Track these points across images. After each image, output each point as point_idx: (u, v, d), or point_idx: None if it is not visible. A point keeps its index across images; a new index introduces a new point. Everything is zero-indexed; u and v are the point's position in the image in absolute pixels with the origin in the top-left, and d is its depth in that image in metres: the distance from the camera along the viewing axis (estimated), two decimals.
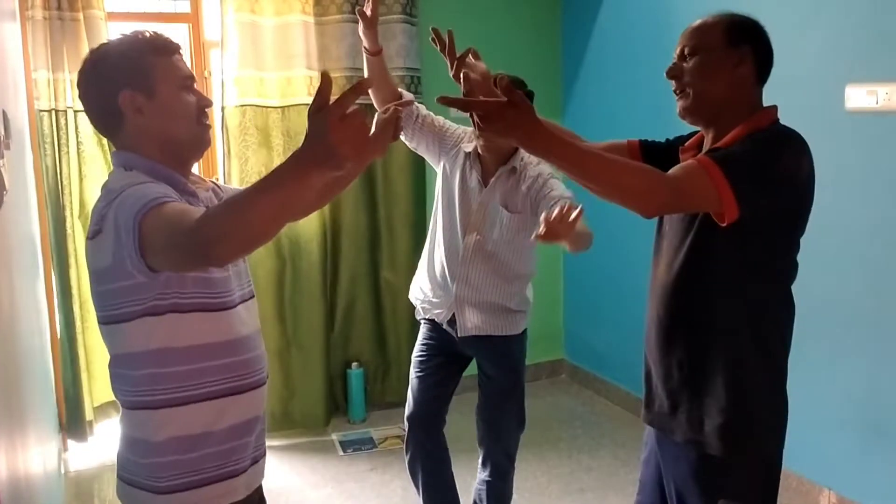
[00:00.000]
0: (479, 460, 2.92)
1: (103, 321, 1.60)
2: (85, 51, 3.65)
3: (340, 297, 4.38)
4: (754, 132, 1.71)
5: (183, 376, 1.57)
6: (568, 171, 1.62)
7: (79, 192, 3.77)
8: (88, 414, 3.88)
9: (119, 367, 1.61)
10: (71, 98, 3.70)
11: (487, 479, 2.88)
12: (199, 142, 1.67)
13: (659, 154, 1.96)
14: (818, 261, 3.14)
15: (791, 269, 1.79)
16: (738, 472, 1.78)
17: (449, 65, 2.16)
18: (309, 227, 4.16)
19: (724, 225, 1.64)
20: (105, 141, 3.75)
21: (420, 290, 2.90)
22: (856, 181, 3.00)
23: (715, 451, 1.77)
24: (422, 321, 2.94)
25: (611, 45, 4.40)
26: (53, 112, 3.67)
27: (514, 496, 2.99)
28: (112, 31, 3.73)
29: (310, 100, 3.92)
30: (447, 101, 1.59)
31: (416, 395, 2.90)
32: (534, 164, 2.69)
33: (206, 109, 1.67)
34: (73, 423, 3.87)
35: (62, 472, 3.72)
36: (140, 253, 1.43)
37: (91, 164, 3.78)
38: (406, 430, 2.95)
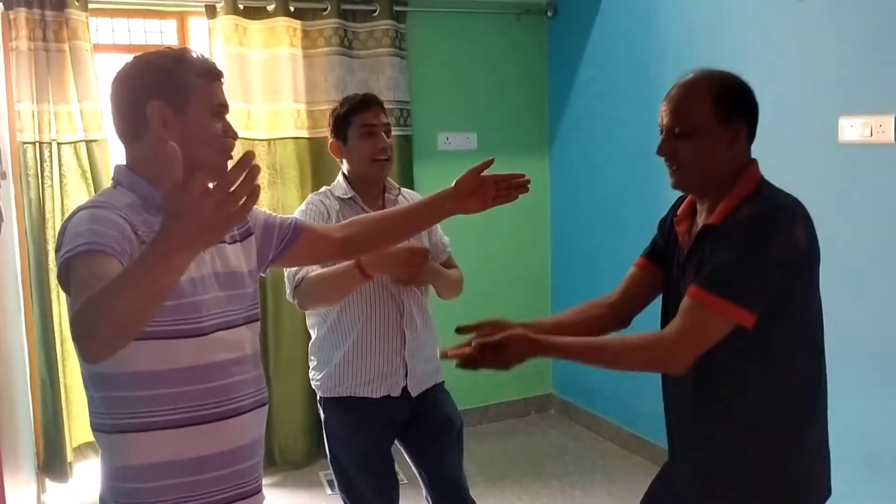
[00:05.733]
0: None
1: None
2: (71, 83, 3.63)
3: None
4: (743, 206, 1.66)
5: (138, 402, 1.52)
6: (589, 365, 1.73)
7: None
8: (68, 455, 3.77)
9: (87, 389, 1.59)
10: (55, 131, 3.64)
11: None
12: (216, 170, 1.61)
13: (661, 251, 1.92)
14: None
15: (816, 324, 1.77)
16: None
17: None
18: None
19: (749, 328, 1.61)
20: (89, 175, 3.70)
21: (353, 375, 2.46)
22: (850, 214, 2.99)
23: None
24: (337, 413, 2.52)
25: (596, 80, 4.42)
26: (37, 144, 3.61)
27: None
28: (98, 63, 3.70)
29: (296, 133, 4.03)
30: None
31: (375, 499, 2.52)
32: (410, 194, 2.66)
33: (231, 140, 1.65)
34: (52, 463, 3.75)
35: None
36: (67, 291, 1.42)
37: (74, 197, 3.71)
38: None
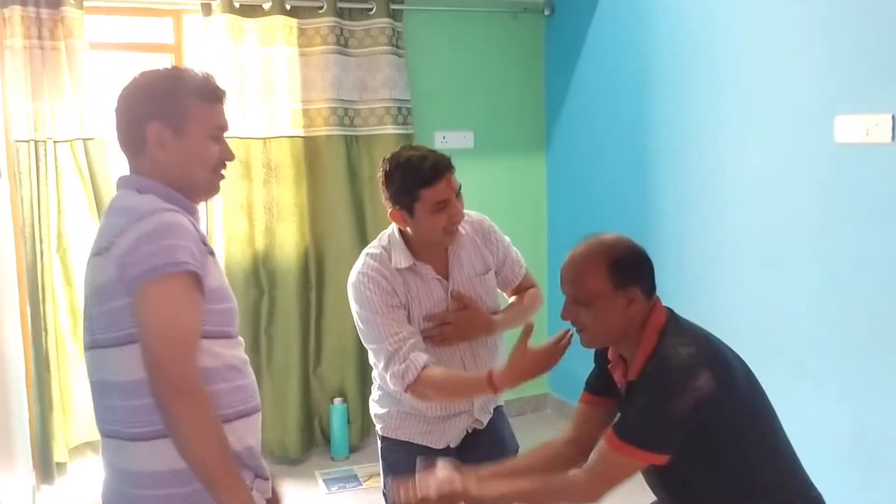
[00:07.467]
0: None
1: (105, 343, 1.54)
2: (65, 80, 3.62)
3: (327, 331, 4.29)
4: (650, 362, 1.76)
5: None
6: None
7: (57, 224, 3.68)
8: (61, 455, 3.74)
9: (120, 398, 1.54)
10: (51, 129, 3.63)
11: None
12: (209, 189, 1.69)
13: (603, 384, 1.99)
14: (808, 296, 3.12)
15: (755, 407, 1.83)
16: None
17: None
18: (286, 258, 4.13)
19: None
20: (86, 173, 3.69)
21: (414, 424, 2.36)
22: (847, 214, 2.99)
23: None
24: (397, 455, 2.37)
25: (594, 79, 4.41)
26: (32, 143, 3.59)
27: None
28: (93, 61, 3.69)
29: (292, 132, 4.02)
30: None
31: None
32: (469, 221, 2.40)
33: (227, 162, 1.69)
34: (44, 462, 3.72)
35: None
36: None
37: (70, 196, 3.70)
38: None
